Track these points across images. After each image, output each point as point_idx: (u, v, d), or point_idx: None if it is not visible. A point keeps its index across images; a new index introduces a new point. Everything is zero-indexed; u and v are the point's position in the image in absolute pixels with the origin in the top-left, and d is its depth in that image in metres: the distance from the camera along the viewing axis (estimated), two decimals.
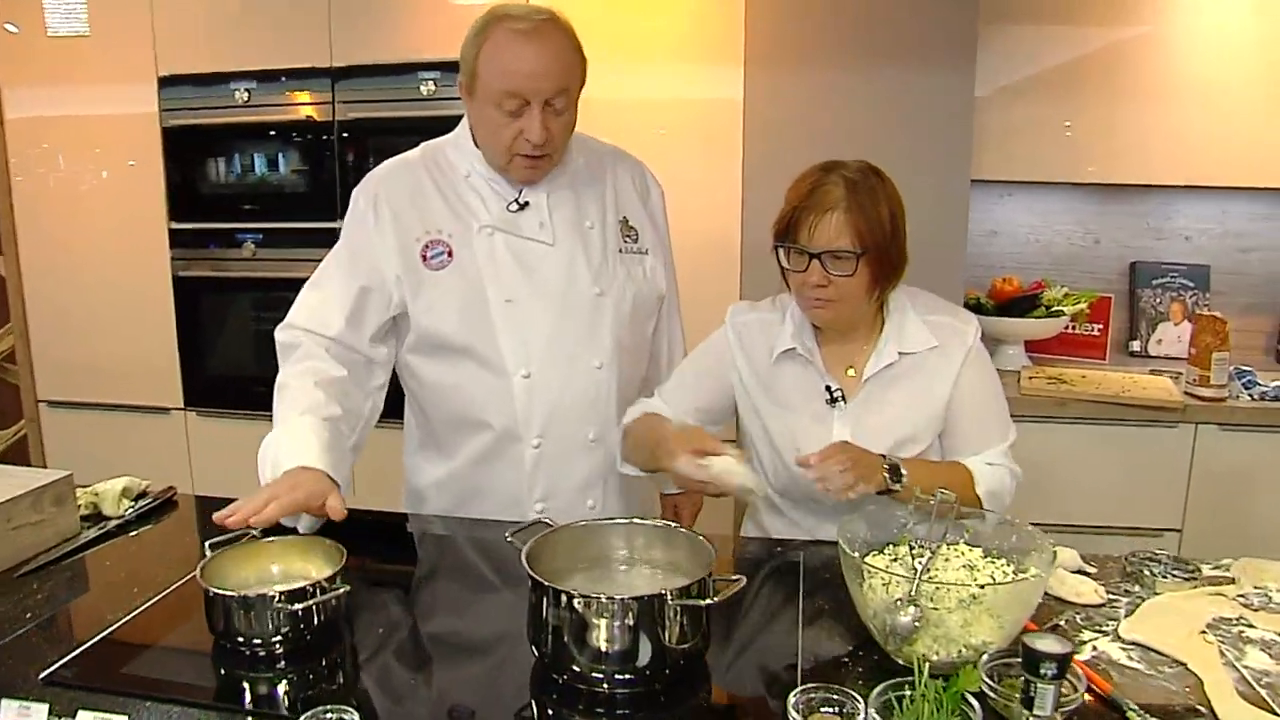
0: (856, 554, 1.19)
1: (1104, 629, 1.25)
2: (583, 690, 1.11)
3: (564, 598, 1.08)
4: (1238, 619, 1.26)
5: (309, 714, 1.00)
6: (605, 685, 1.10)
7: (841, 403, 1.54)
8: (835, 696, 1.00)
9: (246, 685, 1.15)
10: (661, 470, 1.49)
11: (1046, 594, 1.27)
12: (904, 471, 1.41)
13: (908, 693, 1.00)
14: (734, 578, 1.14)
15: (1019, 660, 1.03)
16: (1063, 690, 0.97)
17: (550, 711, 1.10)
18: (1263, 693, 1.09)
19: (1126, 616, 1.27)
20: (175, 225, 2.99)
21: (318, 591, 1.18)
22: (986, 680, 1.03)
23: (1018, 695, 1.00)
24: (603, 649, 1.08)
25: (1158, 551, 1.43)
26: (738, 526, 2.52)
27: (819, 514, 1.60)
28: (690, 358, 1.73)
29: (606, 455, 1.66)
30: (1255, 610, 1.29)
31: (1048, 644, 0.95)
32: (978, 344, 1.57)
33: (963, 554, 1.24)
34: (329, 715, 1.00)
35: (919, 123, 2.64)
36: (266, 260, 2.96)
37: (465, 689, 1.16)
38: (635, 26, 2.63)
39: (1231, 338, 2.53)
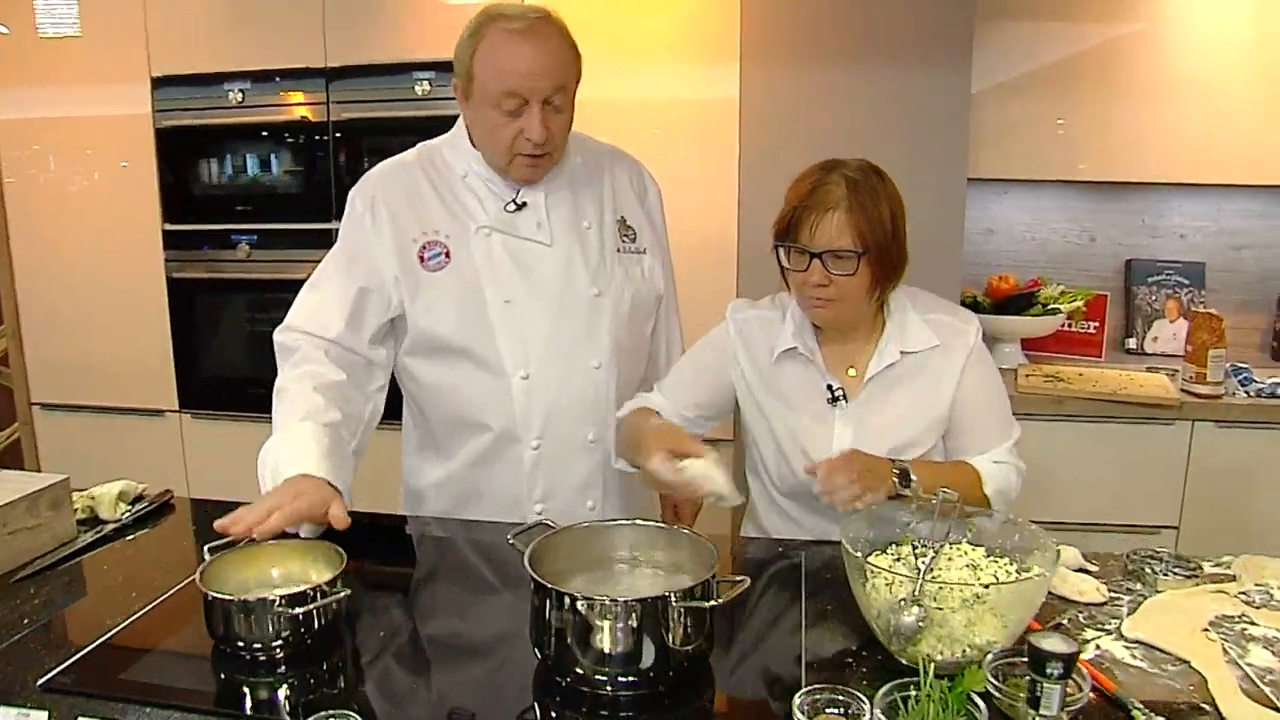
0: (859, 554, 1.19)
1: (1106, 627, 1.25)
2: (586, 693, 1.10)
3: (567, 600, 1.08)
4: (1239, 616, 1.26)
5: (311, 719, 0.99)
6: (609, 688, 1.10)
7: (843, 402, 1.54)
8: (840, 697, 1.00)
9: (247, 690, 1.14)
10: (638, 468, 1.47)
11: (1049, 592, 1.27)
12: (913, 476, 1.41)
13: (913, 693, 1.00)
14: (737, 578, 1.14)
15: (1023, 660, 1.03)
16: (1068, 689, 0.97)
17: (553, 714, 1.09)
18: (1267, 690, 1.09)
19: (1129, 615, 1.27)
20: (169, 226, 2.97)
21: (318, 595, 1.17)
22: (991, 680, 1.03)
23: (1023, 695, 1.00)
24: (606, 651, 1.08)
25: (1159, 549, 1.43)
26: (736, 526, 2.52)
27: (821, 513, 1.59)
28: (690, 354, 1.72)
29: (606, 456, 1.66)
30: (1257, 608, 1.29)
31: (1054, 643, 0.95)
32: (979, 343, 1.57)
33: (965, 553, 1.24)
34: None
35: (916, 121, 2.64)
36: (261, 261, 2.94)
37: (467, 691, 1.15)
38: (631, 26, 2.62)
39: (1227, 335, 2.53)
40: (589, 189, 1.70)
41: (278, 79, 2.82)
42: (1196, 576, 1.37)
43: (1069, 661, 0.94)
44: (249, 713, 1.10)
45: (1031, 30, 2.76)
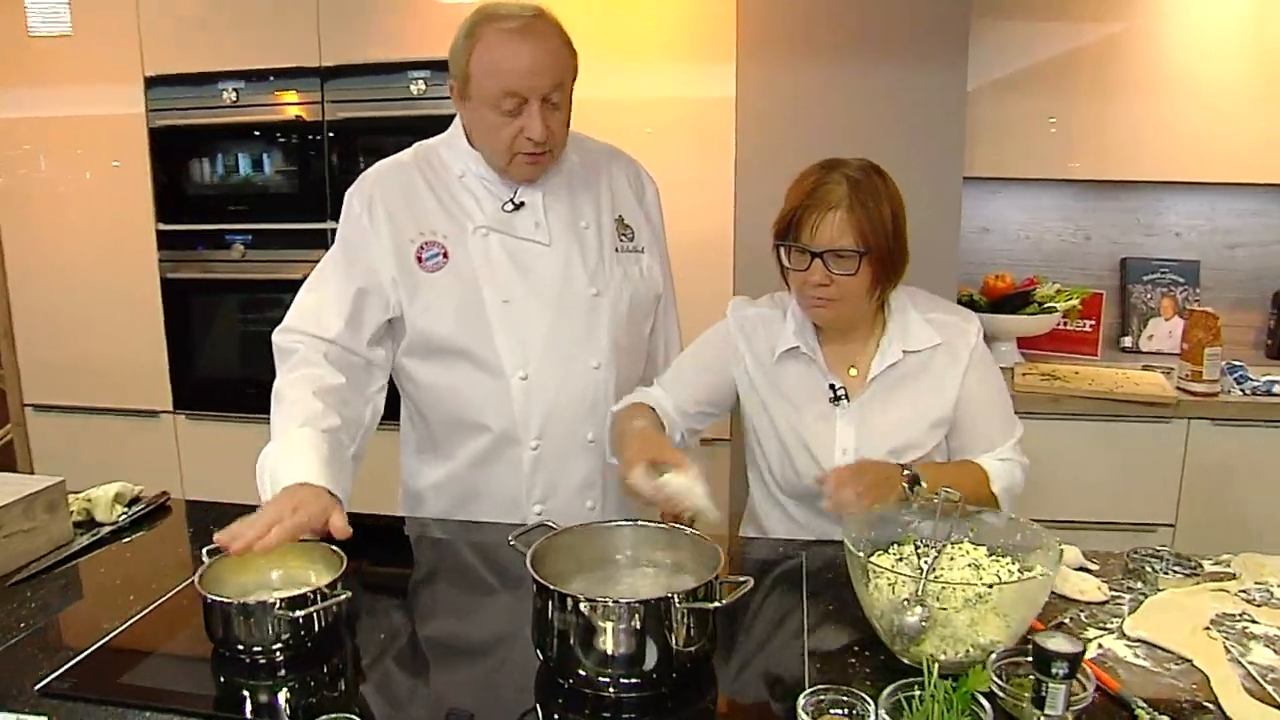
0: (862, 554, 1.18)
1: (1108, 626, 1.25)
2: (588, 694, 1.10)
3: (569, 601, 1.07)
4: (1240, 615, 1.27)
5: None
6: (611, 689, 1.09)
7: (845, 401, 1.54)
8: (845, 698, 0.99)
9: (247, 694, 1.13)
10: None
11: (1050, 591, 1.27)
12: (923, 482, 1.40)
13: (917, 693, 1.00)
14: (740, 579, 1.13)
15: (1027, 659, 1.03)
16: (1072, 689, 0.97)
17: (555, 716, 1.09)
18: (1269, 688, 1.09)
19: (1130, 614, 1.27)
20: (163, 227, 2.95)
21: (319, 598, 1.17)
22: (995, 680, 1.03)
23: (1027, 694, 1.00)
24: (609, 652, 1.07)
25: (1159, 548, 1.43)
26: (735, 526, 2.52)
27: (822, 514, 1.59)
28: (691, 350, 1.71)
29: (605, 456, 1.65)
30: (1258, 606, 1.29)
31: (1059, 643, 0.95)
32: (981, 342, 1.58)
33: (967, 553, 1.24)
34: None
35: (912, 119, 2.64)
36: (255, 261, 2.93)
37: (468, 693, 1.15)
38: (626, 25, 2.62)
39: (1223, 333, 2.54)
40: (587, 188, 1.70)
41: (272, 78, 2.81)
42: (1197, 575, 1.37)
43: (1074, 661, 0.94)
44: (249, 716, 1.10)
45: (1026, 29, 2.76)
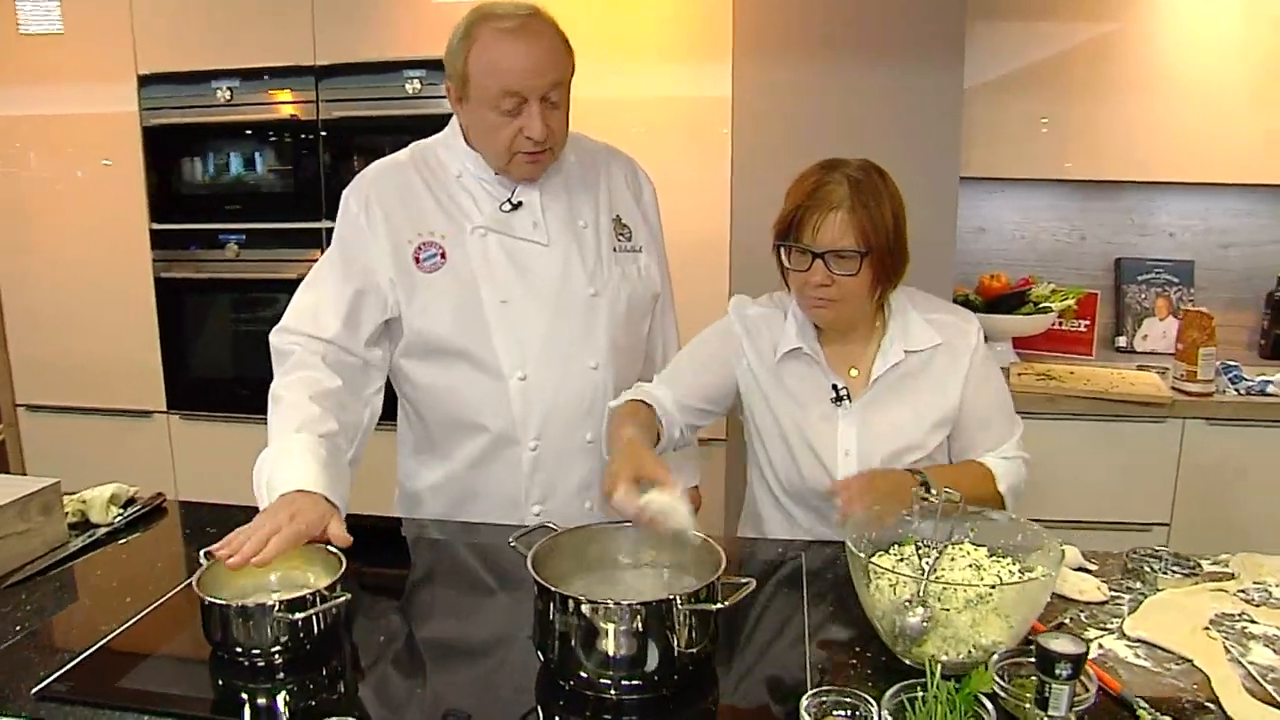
0: (863, 554, 1.18)
1: (1108, 626, 1.25)
2: (589, 696, 1.10)
3: (571, 603, 1.07)
4: (1240, 615, 1.27)
5: None
6: (613, 691, 1.09)
7: (847, 402, 1.54)
8: (848, 699, 0.99)
9: (245, 696, 1.12)
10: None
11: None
12: (933, 488, 1.40)
13: (920, 694, 0.99)
14: (742, 580, 1.13)
15: (1029, 660, 1.03)
16: (1075, 690, 0.96)
17: (556, 717, 1.09)
18: (1269, 688, 1.09)
19: (1130, 614, 1.27)
20: (156, 226, 2.94)
21: (318, 600, 1.16)
22: (998, 681, 1.03)
23: (1029, 695, 1.00)
24: (610, 654, 1.07)
25: (1158, 548, 1.43)
26: (727, 524, 2.52)
27: (821, 514, 1.59)
28: (692, 347, 1.69)
29: (604, 457, 1.65)
30: (1256, 606, 1.30)
31: (1062, 644, 0.95)
32: (982, 342, 1.58)
33: (968, 553, 1.24)
34: None
35: (908, 119, 2.64)
36: (250, 261, 2.91)
37: (468, 695, 1.14)
38: (622, 24, 2.61)
39: (1217, 333, 2.55)
40: (584, 188, 1.69)
41: (266, 77, 2.80)
42: (1195, 575, 1.37)
43: (1078, 662, 0.94)
44: (248, 719, 1.09)
45: (1020, 29, 2.77)
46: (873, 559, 1.21)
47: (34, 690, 1.09)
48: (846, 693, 1.00)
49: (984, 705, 0.98)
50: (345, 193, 1.64)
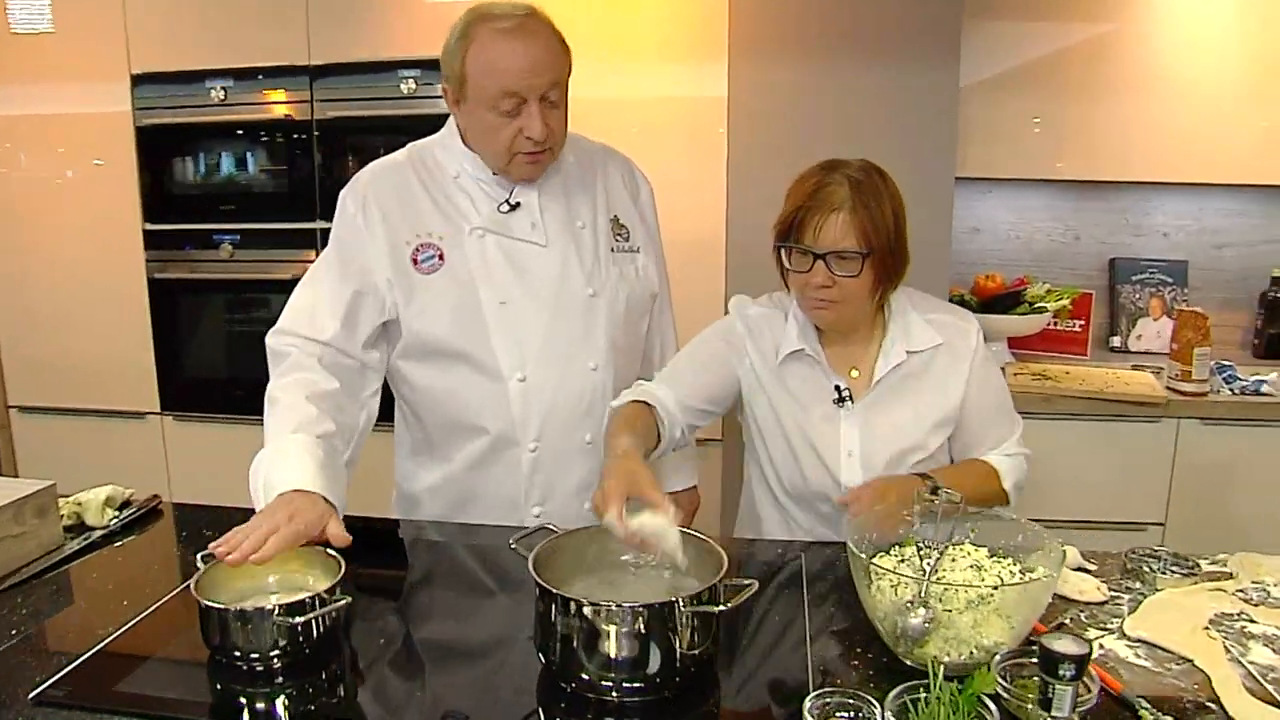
0: (864, 555, 1.18)
1: (1108, 626, 1.25)
2: (591, 699, 1.09)
3: (573, 605, 1.07)
4: (1239, 614, 1.27)
5: None
6: (614, 693, 1.09)
7: (849, 403, 1.54)
8: (851, 701, 0.99)
9: (244, 701, 1.12)
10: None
11: None
12: (945, 491, 1.40)
13: (923, 695, 0.99)
14: (745, 582, 1.13)
15: (1030, 660, 1.03)
16: (1078, 690, 0.96)
17: None
18: (1270, 688, 1.10)
19: (1130, 614, 1.28)
20: (150, 226, 2.92)
21: (317, 604, 1.15)
22: (1000, 681, 1.03)
23: (1030, 695, 1.00)
24: (612, 657, 1.07)
25: (1156, 548, 1.43)
26: (723, 524, 2.52)
27: (821, 515, 1.59)
28: (693, 347, 1.68)
29: (603, 458, 1.64)
30: (1255, 605, 1.30)
31: (1066, 645, 0.95)
32: (982, 343, 1.59)
33: (969, 554, 1.24)
34: None
35: (904, 119, 2.65)
36: (244, 261, 2.90)
37: (469, 698, 1.13)
38: (618, 24, 2.61)
39: (1211, 333, 2.56)
40: (582, 189, 1.69)
41: (261, 77, 2.78)
42: (1194, 575, 1.37)
43: (1081, 662, 0.94)
44: None
45: (1014, 29, 2.77)
46: (874, 560, 1.21)
47: (31, 695, 1.08)
48: (850, 694, 0.99)
49: (987, 706, 0.98)
50: (342, 193, 1.63)
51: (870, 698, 0.98)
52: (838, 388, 1.54)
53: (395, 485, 1.78)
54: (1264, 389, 2.53)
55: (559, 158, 1.64)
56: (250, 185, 2.87)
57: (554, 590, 1.08)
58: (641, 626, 1.06)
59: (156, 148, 2.88)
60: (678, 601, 1.06)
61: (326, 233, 1.64)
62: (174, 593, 1.34)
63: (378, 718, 1.09)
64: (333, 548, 1.27)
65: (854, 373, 1.58)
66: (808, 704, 0.98)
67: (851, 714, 0.99)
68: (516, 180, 1.60)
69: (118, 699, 1.10)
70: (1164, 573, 1.37)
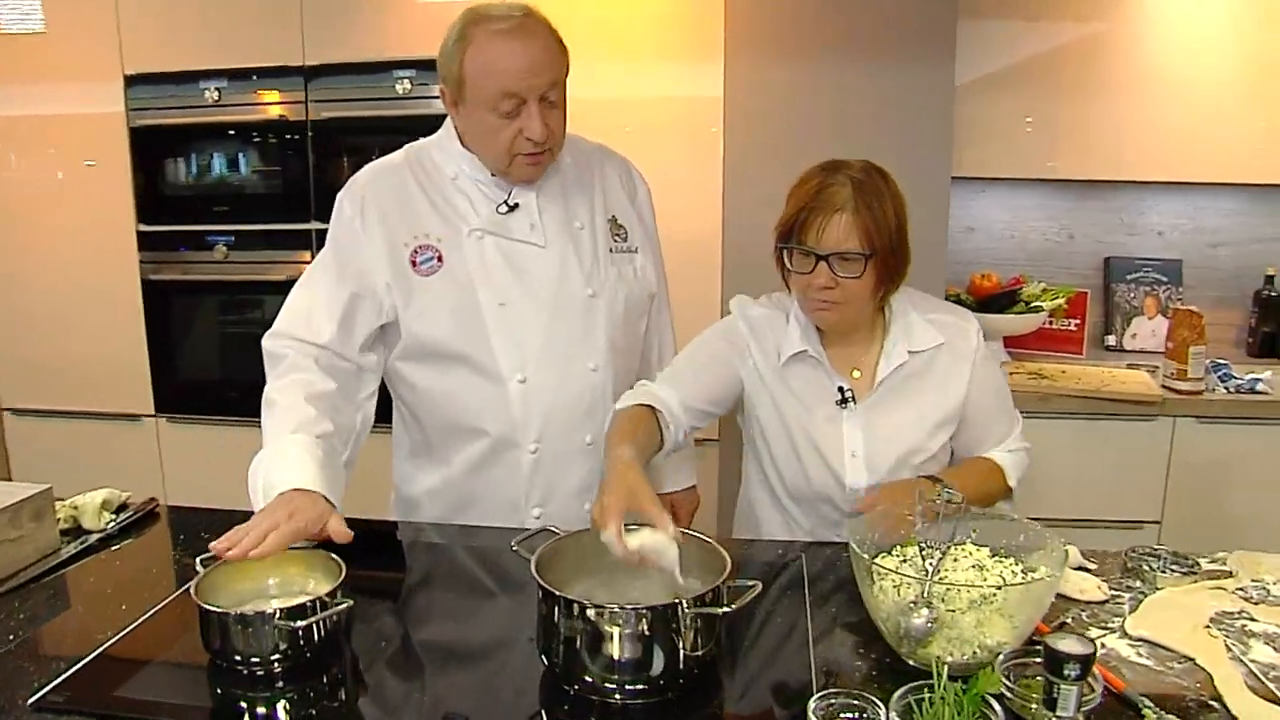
0: (866, 555, 1.18)
1: (1110, 625, 1.25)
2: (594, 701, 1.09)
3: (576, 608, 1.06)
4: (1239, 613, 1.28)
5: None
6: (617, 695, 1.08)
7: (852, 404, 1.54)
8: (855, 701, 0.99)
9: (244, 705, 1.11)
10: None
11: None
12: (959, 495, 1.40)
13: (927, 696, 0.99)
14: (749, 584, 1.13)
15: (1035, 660, 1.03)
16: (1082, 690, 0.96)
17: None
18: (1271, 686, 1.10)
19: (1130, 613, 1.28)
20: (144, 228, 2.91)
21: (318, 608, 1.15)
22: (1004, 681, 1.03)
23: (1034, 695, 1.00)
24: (616, 659, 1.07)
25: (1156, 547, 1.43)
26: (720, 524, 2.51)
27: (820, 516, 1.59)
28: (695, 347, 1.66)
29: (603, 461, 1.64)
30: (1255, 604, 1.30)
31: (1070, 645, 0.95)
32: (982, 342, 1.59)
33: (971, 554, 1.24)
34: None
35: (900, 118, 2.65)
36: (238, 263, 2.89)
37: (471, 701, 1.13)
38: (614, 24, 2.61)
39: (1206, 332, 2.57)
40: (580, 189, 1.68)
41: (255, 77, 2.78)
42: (1194, 574, 1.38)
43: (1086, 662, 0.94)
44: None
45: (1009, 28, 2.78)
46: (876, 560, 1.21)
47: (30, 701, 1.08)
48: (854, 695, 0.99)
49: (991, 706, 0.98)
50: (340, 195, 1.62)
51: (874, 698, 0.98)
52: (841, 389, 1.54)
53: (394, 488, 1.77)
54: (1259, 387, 2.54)
55: (558, 159, 1.64)
56: (244, 186, 2.86)
57: (556, 592, 1.08)
58: (645, 628, 1.06)
59: (150, 149, 2.87)
60: (681, 603, 1.06)
61: (322, 234, 1.63)
62: (173, 596, 1.33)
63: None
64: (333, 550, 1.26)
65: (856, 373, 1.58)
66: (812, 705, 0.98)
67: (856, 715, 0.99)
68: (516, 182, 1.60)
69: (117, 704, 1.09)
70: (1164, 571, 1.37)
